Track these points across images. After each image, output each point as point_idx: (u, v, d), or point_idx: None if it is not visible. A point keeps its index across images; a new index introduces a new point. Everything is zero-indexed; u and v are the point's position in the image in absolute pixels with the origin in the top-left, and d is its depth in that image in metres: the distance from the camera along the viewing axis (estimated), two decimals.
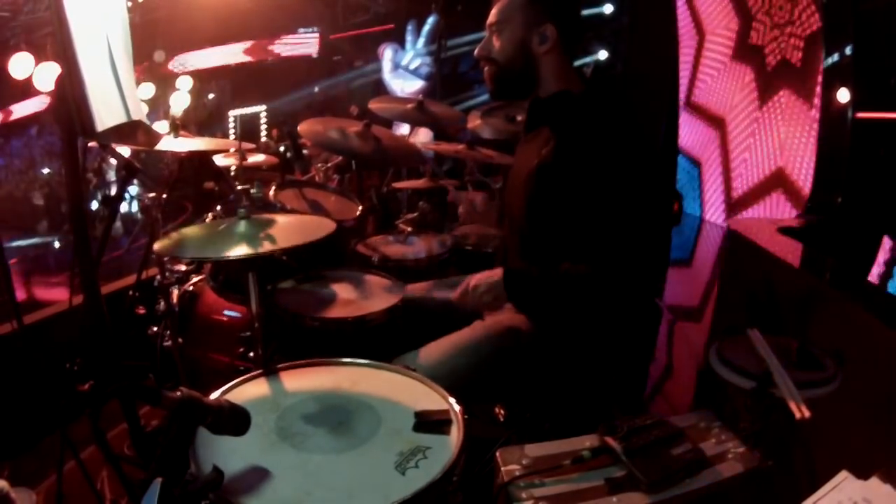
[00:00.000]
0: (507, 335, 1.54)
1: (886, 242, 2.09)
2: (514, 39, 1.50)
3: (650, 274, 1.43)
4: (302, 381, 1.27)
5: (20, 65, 5.29)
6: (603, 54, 6.51)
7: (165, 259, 1.97)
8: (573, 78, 1.55)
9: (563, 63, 1.53)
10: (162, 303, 2.01)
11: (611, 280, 1.38)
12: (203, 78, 8.10)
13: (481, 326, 1.59)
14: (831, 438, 1.45)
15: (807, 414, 1.16)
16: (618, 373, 1.57)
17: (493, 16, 1.53)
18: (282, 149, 2.45)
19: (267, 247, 1.30)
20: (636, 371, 1.66)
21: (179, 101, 7.28)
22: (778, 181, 3.80)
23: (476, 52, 1.57)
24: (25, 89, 5.62)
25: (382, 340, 1.66)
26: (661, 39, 5.13)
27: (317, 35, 8.09)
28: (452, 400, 1.16)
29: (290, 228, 1.44)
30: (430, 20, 7.14)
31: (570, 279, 1.39)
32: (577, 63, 1.63)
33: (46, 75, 5.14)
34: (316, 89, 8.20)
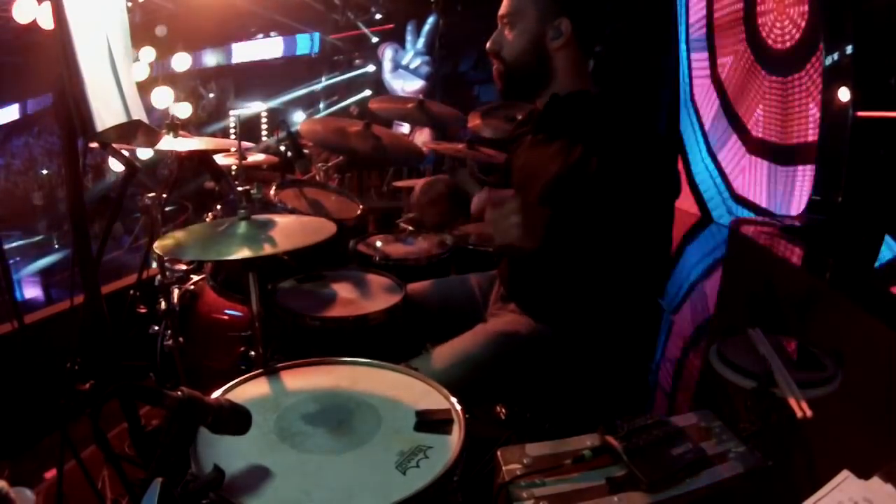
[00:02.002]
0: (510, 339, 1.53)
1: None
2: (526, 34, 1.43)
3: (658, 273, 1.41)
4: (302, 380, 1.27)
5: (23, 8, 5.09)
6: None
7: (166, 258, 1.97)
8: (588, 77, 1.49)
9: (578, 60, 1.47)
10: (162, 302, 2.02)
11: (627, 281, 1.35)
12: (203, 77, 8.12)
13: (483, 331, 1.57)
14: (831, 438, 1.45)
15: (808, 413, 1.16)
16: (619, 373, 1.57)
17: (504, 6, 1.46)
18: (282, 148, 2.46)
19: (267, 249, 1.30)
20: (637, 371, 1.66)
21: (181, 62, 7.23)
22: None
23: (487, 45, 1.50)
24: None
25: (383, 340, 1.66)
26: (661, 39, 5.11)
27: (317, 35, 8.11)
28: (454, 399, 1.16)
29: (290, 229, 1.44)
30: (430, 20, 7.14)
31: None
32: None
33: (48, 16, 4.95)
34: (318, 88, 8.21)
